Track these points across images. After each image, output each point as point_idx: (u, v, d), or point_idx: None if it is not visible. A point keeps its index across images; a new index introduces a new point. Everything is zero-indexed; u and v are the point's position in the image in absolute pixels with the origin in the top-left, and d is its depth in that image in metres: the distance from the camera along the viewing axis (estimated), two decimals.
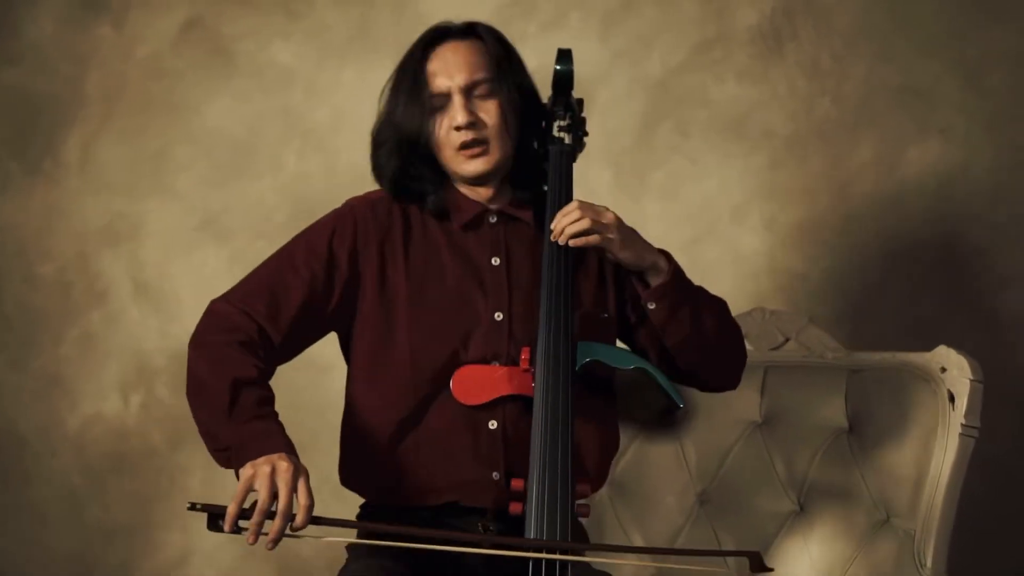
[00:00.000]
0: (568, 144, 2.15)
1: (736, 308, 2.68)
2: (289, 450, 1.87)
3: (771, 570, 1.89)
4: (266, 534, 1.81)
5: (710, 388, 2.22)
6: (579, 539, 2.10)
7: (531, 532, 1.91)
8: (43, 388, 3.18)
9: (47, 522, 3.18)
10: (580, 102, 2.18)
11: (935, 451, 2.29)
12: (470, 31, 2.10)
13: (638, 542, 2.45)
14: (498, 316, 2.07)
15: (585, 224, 2.00)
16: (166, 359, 3.15)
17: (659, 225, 2.93)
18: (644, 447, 2.49)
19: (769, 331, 2.52)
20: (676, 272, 2.07)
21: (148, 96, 3.17)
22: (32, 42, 3.20)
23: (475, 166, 2.08)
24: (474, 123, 2.06)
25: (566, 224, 2.01)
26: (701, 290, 2.14)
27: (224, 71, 3.16)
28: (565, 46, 2.18)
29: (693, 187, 2.97)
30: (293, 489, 1.81)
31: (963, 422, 2.27)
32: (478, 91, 2.07)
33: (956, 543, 2.28)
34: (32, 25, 3.20)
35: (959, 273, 2.83)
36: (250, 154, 3.15)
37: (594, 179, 2.96)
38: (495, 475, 2.02)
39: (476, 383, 2.04)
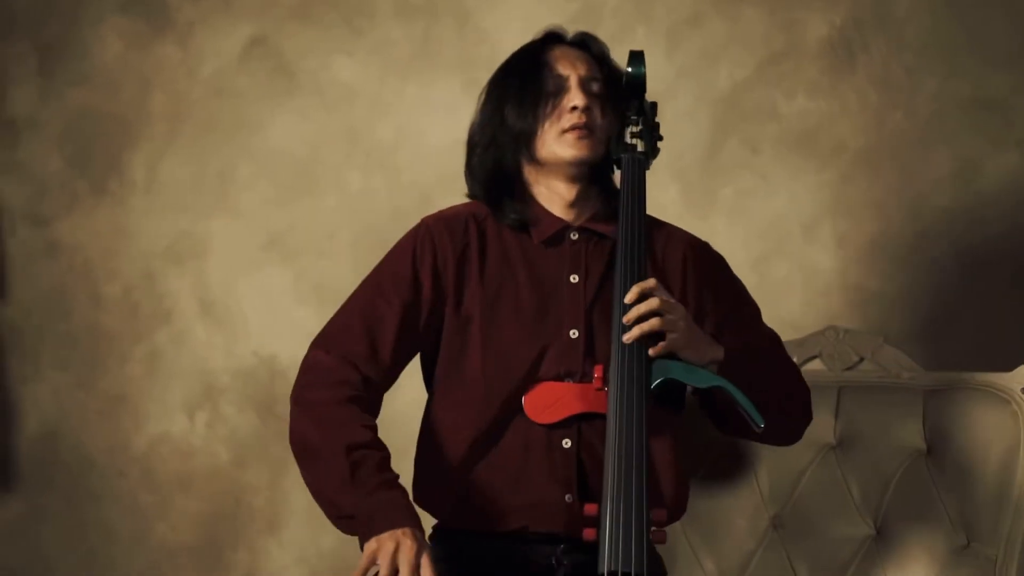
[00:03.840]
0: (640, 151, 2.12)
1: (807, 327, 2.65)
2: (415, 524, 1.87)
3: None
4: None
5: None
6: (655, 567, 2.06)
7: (604, 560, 1.87)
8: (109, 408, 3.20)
9: (114, 541, 3.19)
10: (654, 106, 2.16)
11: (1016, 473, 2.24)
12: (581, 43, 2.16)
13: (709, 566, 2.41)
14: (573, 334, 2.04)
15: (656, 324, 1.97)
16: (231, 378, 3.15)
17: (728, 242, 2.88)
18: (715, 469, 2.45)
19: (843, 351, 2.47)
20: (726, 371, 2.02)
21: (212, 115, 3.18)
22: (97, 63, 3.21)
23: (578, 149, 2.08)
24: (589, 108, 2.08)
25: (638, 328, 1.97)
26: (764, 371, 2.09)
27: (287, 89, 3.16)
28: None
29: (762, 203, 2.92)
30: (416, 568, 1.82)
31: None
32: (593, 87, 2.10)
33: None
34: (98, 46, 3.21)
35: None
36: (314, 172, 3.15)
37: (661, 195, 2.92)
38: (568, 497, 1.99)
39: (548, 401, 2.01)
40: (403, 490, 1.92)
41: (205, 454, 3.15)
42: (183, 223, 3.19)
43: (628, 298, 1.99)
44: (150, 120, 3.20)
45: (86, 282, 3.22)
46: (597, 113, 2.09)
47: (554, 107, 2.08)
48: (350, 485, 1.91)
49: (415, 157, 3.09)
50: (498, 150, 2.11)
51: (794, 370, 2.16)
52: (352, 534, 1.92)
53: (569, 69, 2.10)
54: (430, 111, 3.07)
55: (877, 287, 2.87)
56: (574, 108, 2.07)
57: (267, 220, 3.15)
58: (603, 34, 2.97)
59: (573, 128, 2.07)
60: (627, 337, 1.97)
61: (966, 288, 2.81)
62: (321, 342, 2.07)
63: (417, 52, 3.11)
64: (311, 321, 3.11)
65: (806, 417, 2.17)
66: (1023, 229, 2.80)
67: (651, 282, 2.00)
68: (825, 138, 2.91)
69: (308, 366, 2.05)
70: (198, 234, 3.18)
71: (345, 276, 3.10)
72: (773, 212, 2.92)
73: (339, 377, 2.01)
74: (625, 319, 1.98)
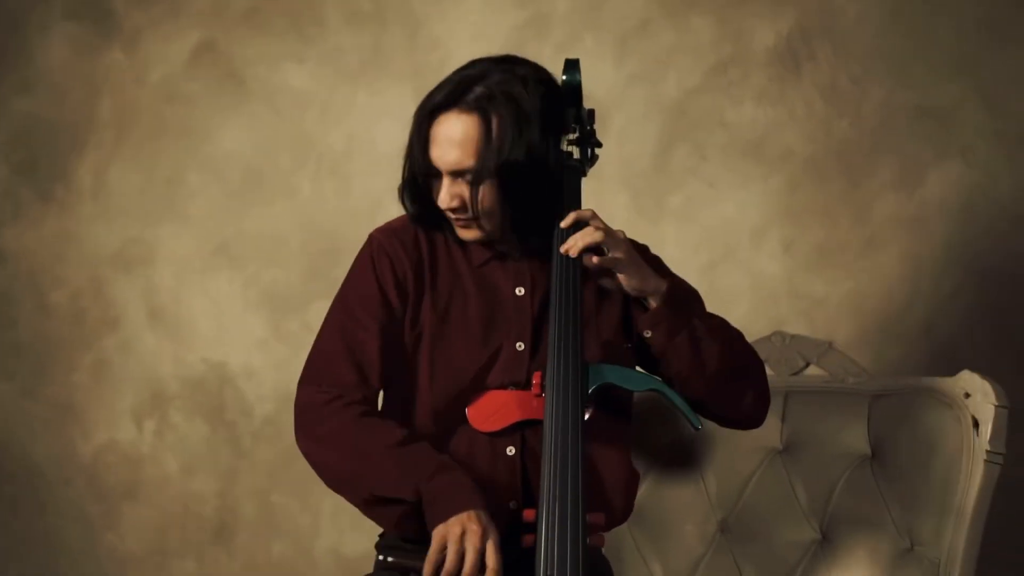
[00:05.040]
0: (576, 159, 2.11)
1: (755, 333, 2.66)
2: (479, 505, 1.89)
3: None
4: None
5: (728, 423, 2.15)
6: (600, 572, 2.06)
7: (541, 564, 1.87)
8: (56, 416, 3.17)
9: (61, 551, 3.16)
10: (591, 113, 2.13)
11: (960, 478, 2.26)
12: (467, 104, 2.00)
13: (656, 570, 2.42)
14: (520, 346, 2.05)
15: (598, 237, 1.99)
16: (180, 385, 3.13)
17: (676, 249, 2.91)
18: (663, 475, 2.46)
19: (789, 356, 2.49)
20: (671, 298, 2.03)
21: (160, 121, 3.16)
22: (44, 68, 3.19)
23: (466, 235, 2.07)
24: (457, 207, 2.02)
25: (579, 237, 2.00)
26: (712, 319, 2.08)
27: (237, 95, 3.14)
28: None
29: (711, 210, 2.94)
30: (481, 554, 1.85)
31: (988, 448, 2.24)
32: (465, 177, 2.01)
33: (982, 572, 2.25)
34: (44, 52, 3.19)
35: (982, 296, 2.80)
36: (263, 179, 3.13)
37: (611, 202, 2.93)
38: (512, 504, 2.00)
39: (490, 409, 2.02)
40: (461, 470, 1.94)
41: (153, 462, 3.13)
42: (131, 230, 3.16)
43: (564, 224, 2.01)
44: (97, 126, 3.18)
45: (32, 289, 3.19)
46: (471, 201, 2.01)
47: (436, 192, 2.04)
48: (406, 477, 1.93)
49: (366, 164, 3.09)
50: (422, 192, 2.08)
51: (745, 342, 2.13)
52: (421, 529, 1.93)
53: (439, 157, 2.01)
54: (381, 118, 3.07)
55: (823, 293, 2.89)
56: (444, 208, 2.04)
57: (216, 227, 3.14)
58: (552, 42, 3.01)
59: (455, 218, 2.05)
60: (565, 248, 1.99)
61: (911, 294, 2.84)
62: (309, 379, 2.05)
63: (368, 60, 3.11)
64: (260, 328, 3.11)
65: (763, 389, 2.12)
66: (967, 236, 2.83)
67: (588, 211, 2.03)
68: (772, 146, 2.93)
69: (304, 406, 2.04)
70: (146, 241, 3.16)
71: (295, 283, 3.11)
72: (721, 219, 2.94)
73: (342, 402, 2.00)
74: (563, 248, 2.00)
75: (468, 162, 1.99)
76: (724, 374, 2.05)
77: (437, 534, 1.87)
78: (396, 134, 2.10)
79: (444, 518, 1.88)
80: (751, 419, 2.14)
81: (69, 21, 3.18)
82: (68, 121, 3.18)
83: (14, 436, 3.18)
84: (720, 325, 2.09)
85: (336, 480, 2.01)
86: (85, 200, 3.18)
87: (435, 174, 2.03)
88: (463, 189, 2.01)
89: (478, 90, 2.00)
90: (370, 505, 1.99)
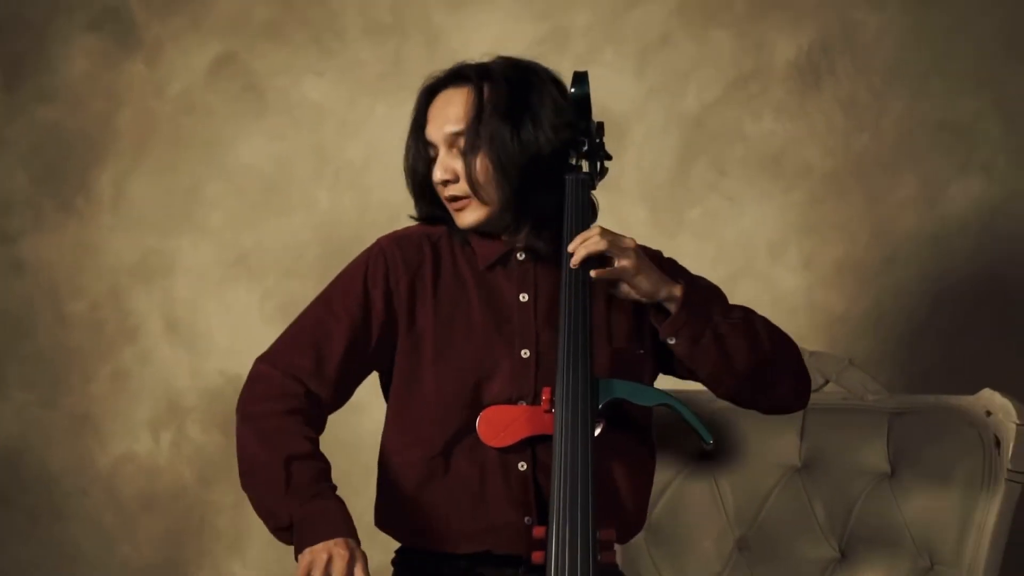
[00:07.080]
0: (585, 173, 2.09)
1: None
2: (348, 532, 1.87)
3: None
4: None
5: (768, 411, 2.13)
6: None
7: None
8: (74, 426, 3.18)
9: (78, 561, 3.17)
10: (600, 126, 2.12)
11: (980, 497, 2.24)
12: (464, 77, 2.04)
13: None
14: (525, 353, 2.03)
15: (601, 245, 1.97)
16: (197, 397, 3.13)
17: (695, 263, 2.87)
18: (680, 490, 2.45)
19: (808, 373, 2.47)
20: (688, 301, 2.01)
21: (180, 133, 3.17)
22: (65, 79, 3.20)
23: (462, 219, 2.06)
24: (449, 180, 2.03)
25: (581, 247, 1.98)
26: (733, 312, 2.06)
27: (256, 107, 3.15)
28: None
29: (729, 224, 2.93)
30: None
31: (1009, 467, 2.23)
32: (457, 144, 2.02)
33: None
34: (65, 62, 3.20)
35: (1003, 313, 2.78)
36: (282, 191, 3.14)
37: (629, 216, 2.94)
38: (527, 520, 1.99)
39: (500, 424, 2.01)
40: (339, 500, 1.92)
41: (170, 473, 3.13)
42: (150, 241, 3.17)
43: (571, 247, 1.99)
44: (117, 137, 3.19)
45: (51, 300, 3.20)
46: (466, 173, 2.01)
47: (433, 176, 2.05)
48: (286, 496, 1.91)
49: (384, 176, 3.08)
50: (419, 195, 2.10)
51: (773, 330, 2.11)
52: (291, 544, 1.91)
53: (436, 132, 2.04)
54: (400, 130, 3.03)
55: (843, 309, 2.88)
56: (437, 183, 2.05)
57: (235, 238, 3.15)
58: (572, 55, 3.01)
59: (450, 200, 2.05)
60: (572, 262, 1.97)
61: (931, 311, 2.83)
62: (267, 356, 2.07)
63: (387, 71, 3.11)
64: None
65: (800, 373, 2.11)
66: (987, 252, 2.81)
67: (596, 228, 2.00)
68: (792, 160, 2.92)
69: (252, 379, 2.06)
70: (165, 252, 3.17)
71: (312, 295, 3.08)
72: (740, 233, 2.93)
73: (282, 390, 2.01)
74: (569, 248, 1.98)
75: (459, 126, 2.01)
76: (755, 368, 2.03)
77: (303, 559, 1.85)
78: None
79: (311, 543, 1.85)
80: (791, 404, 2.13)
81: (90, 32, 3.19)
82: (88, 132, 3.19)
83: (32, 446, 3.19)
84: (743, 318, 2.06)
85: (242, 469, 1.99)
86: (104, 211, 3.19)
87: (433, 156, 2.04)
88: (456, 163, 2.02)
89: (475, 67, 2.04)
90: (256, 506, 1.97)
